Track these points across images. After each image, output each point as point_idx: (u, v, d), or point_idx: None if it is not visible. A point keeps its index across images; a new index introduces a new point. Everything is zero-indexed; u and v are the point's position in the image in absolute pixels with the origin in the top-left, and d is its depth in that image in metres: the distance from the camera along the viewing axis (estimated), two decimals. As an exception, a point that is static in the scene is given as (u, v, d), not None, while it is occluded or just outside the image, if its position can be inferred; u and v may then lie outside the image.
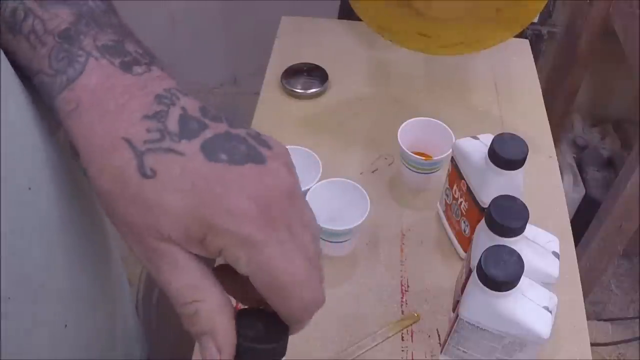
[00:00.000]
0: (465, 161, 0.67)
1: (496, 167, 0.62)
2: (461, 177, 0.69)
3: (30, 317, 0.36)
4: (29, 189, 0.34)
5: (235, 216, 0.31)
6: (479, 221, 0.61)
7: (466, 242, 0.71)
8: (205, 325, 0.32)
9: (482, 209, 0.65)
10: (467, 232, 0.70)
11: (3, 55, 0.33)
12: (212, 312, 0.32)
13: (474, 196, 0.66)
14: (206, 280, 0.33)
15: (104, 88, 0.33)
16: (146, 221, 0.31)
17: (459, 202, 0.70)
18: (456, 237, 0.74)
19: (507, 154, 0.62)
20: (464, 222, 0.70)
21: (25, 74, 0.35)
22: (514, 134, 0.63)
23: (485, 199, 0.64)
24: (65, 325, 0.40)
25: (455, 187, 0.71)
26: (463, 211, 0.70)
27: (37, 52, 0.34)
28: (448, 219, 0.75)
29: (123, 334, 0.55)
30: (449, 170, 0.72)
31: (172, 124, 0.32)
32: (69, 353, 0.42)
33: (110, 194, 0.32)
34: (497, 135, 0.63)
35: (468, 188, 0.67)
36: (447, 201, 0.74)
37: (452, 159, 0.71)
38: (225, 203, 0.31)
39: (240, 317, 0.34)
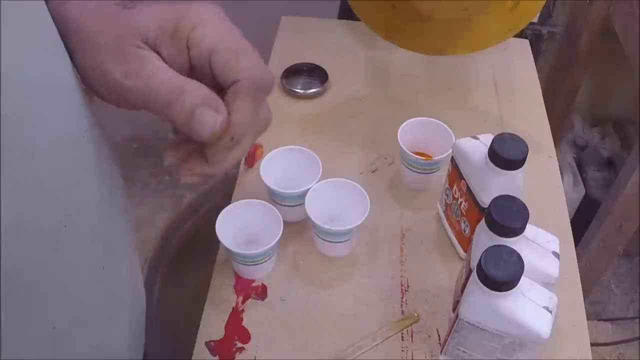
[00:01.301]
0: (465, 161, 0.67)
1: (496, 167, 0.62)
2: (461, 177, 0.69)
3: (81, 251, 0.39)
4: (83, 136, 0.38)
5: (200, 5, 0.39)
6: (479, 221, 0.61)
7: (466, 242, 0.71)
8: (195, 98, 0.38)
9: (482, 209, 0.65)
10: (467, 232, 0.70)
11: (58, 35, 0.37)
12: (200, 88, 0.38)
13: (474, 196, 0.66)
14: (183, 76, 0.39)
15: None
16: (129, 32, 0.37)
17: (459, 202, 0.70)
18: (456, 237, 0.74)
19: (507, 154, 0.62)
20: (464, 222, 0.70)
21: None
22: (514, 134, 0.63)
23: (485, 199, 0.64)
24: (103, 268, 0.43)
25: (455, 187, 0.71)
26: (463, 211, 0.70)
27: None
28: (448, 219, 0.75)
29: (134, 295, 0.56)
30: (449, 170, 0.72)
31: None
32: (104, 297, 0.45)
33: (97, 26, 0.37)
34: (497, 135, 0.63)
35: (468, 188, 0.67)
36: (447, 201, 0.74)
37: (452, 159, 0.71)
38: (192, 4, 0.39)
39: None
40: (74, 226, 0.37)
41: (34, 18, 0.33)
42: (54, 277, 0.36)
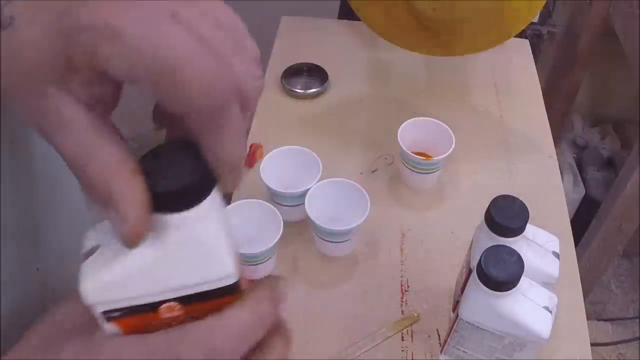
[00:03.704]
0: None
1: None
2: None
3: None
4: (11, 143, 0.34)
5: (96, 6, 0.26)
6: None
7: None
8: (100, 193, 0.27)
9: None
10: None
11: None
12: (104, 174, 0.27)
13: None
14: (98, 135, 0.28)
15: None
16: (18, 73, 0.27)
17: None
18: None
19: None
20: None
21: None
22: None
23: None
24: (37, 269, 0.41)
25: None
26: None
27: None
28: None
29: None
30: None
31: None
32: (37, 303, 0.42)
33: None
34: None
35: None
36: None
37: None
38: (83, 2, 0.26)
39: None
40: None
41: None
42: None
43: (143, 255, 0.28)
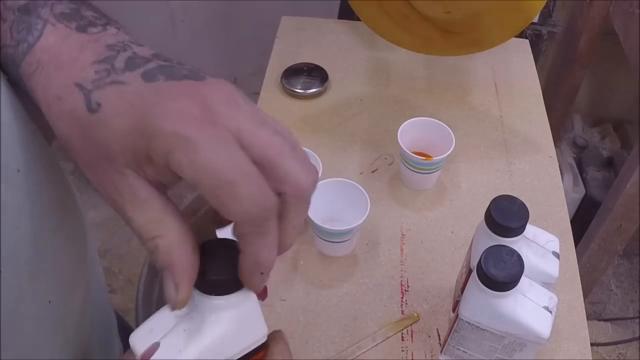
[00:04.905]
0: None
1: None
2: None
3: (18, 290, 0.37)
4: (18, 171, 0.36)
5: (173, 116, 0.31)
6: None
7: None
8: (164, 260, 0.33)
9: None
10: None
11: None
12: (171, 247, 0.33)
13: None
14: (167, 214, 0.33)
15: (60, 45, 0.35)
16: (100, 153, 0.32)
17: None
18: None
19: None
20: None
21: None
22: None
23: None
24: (50, 302, 0.42)
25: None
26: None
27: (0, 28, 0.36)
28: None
29: (100, 319, 0.55)
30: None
31: (120, 63, 0.34)
32: (51, 329, 0.43)
33: (69, 137, 0.33)
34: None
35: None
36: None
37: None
38: (163, 108, 0.31)
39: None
40: (11, 267, 0.35)
41: None
42: None
43: (209, 337, 0.34)
